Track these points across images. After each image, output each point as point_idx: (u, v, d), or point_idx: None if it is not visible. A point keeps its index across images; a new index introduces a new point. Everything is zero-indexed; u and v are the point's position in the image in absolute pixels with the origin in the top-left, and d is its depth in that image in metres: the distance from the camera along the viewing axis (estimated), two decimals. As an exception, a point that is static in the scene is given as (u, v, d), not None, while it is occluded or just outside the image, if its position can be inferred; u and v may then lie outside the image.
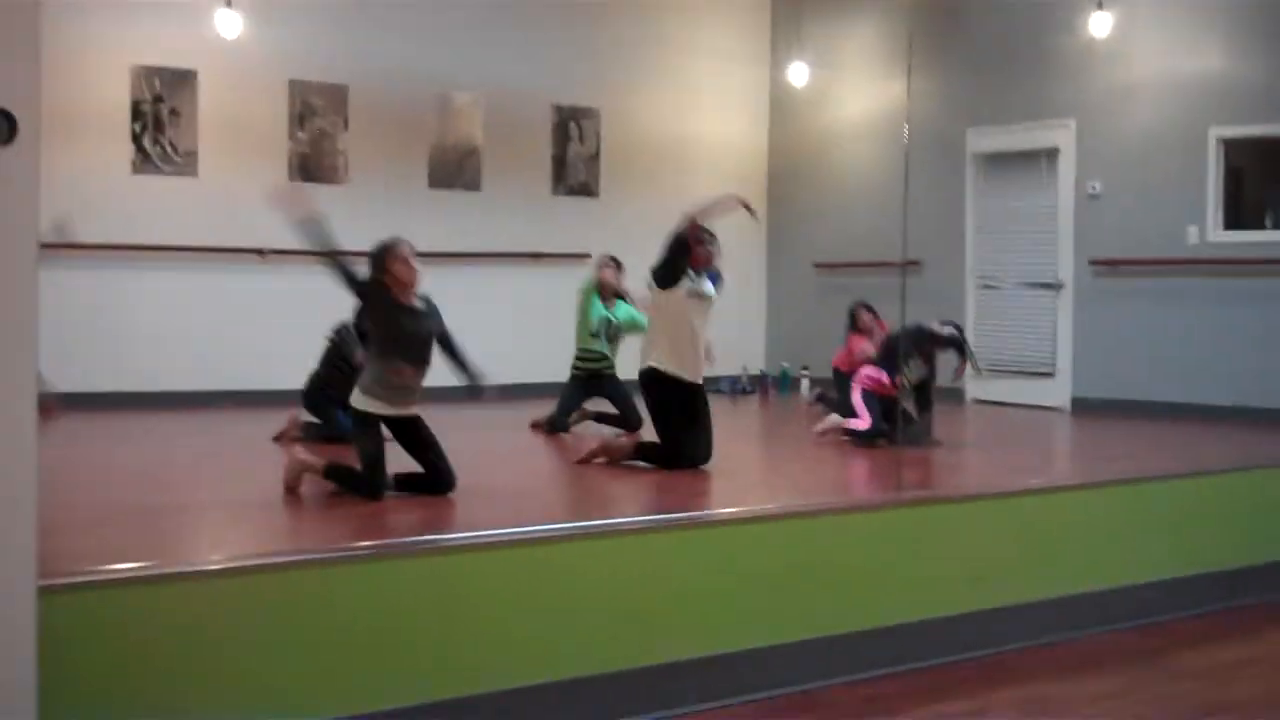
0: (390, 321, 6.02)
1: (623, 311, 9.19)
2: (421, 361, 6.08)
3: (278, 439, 8.14)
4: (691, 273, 7.15)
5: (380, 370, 6.01)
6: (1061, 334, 11.09)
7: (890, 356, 8.28)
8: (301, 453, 6.18)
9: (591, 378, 9.08)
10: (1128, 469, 7.20)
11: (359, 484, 5.91)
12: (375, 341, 6.14)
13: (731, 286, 10.71)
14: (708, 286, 7.25)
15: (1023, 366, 11.37)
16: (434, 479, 5.99)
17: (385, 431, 6.07)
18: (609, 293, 9.20)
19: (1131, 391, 10.46)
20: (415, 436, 6.08)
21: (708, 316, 7.27)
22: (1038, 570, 6.04)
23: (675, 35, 12.82)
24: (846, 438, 8.24)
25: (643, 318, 9.00)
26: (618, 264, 9.31)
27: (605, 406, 9.13)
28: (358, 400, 6.05)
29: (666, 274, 7.13)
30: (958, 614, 5.67)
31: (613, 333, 9.14)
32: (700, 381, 7.21)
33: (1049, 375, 11.15)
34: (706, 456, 7.10)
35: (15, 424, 3.35)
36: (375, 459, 5.92)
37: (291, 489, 6.03)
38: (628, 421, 8.85)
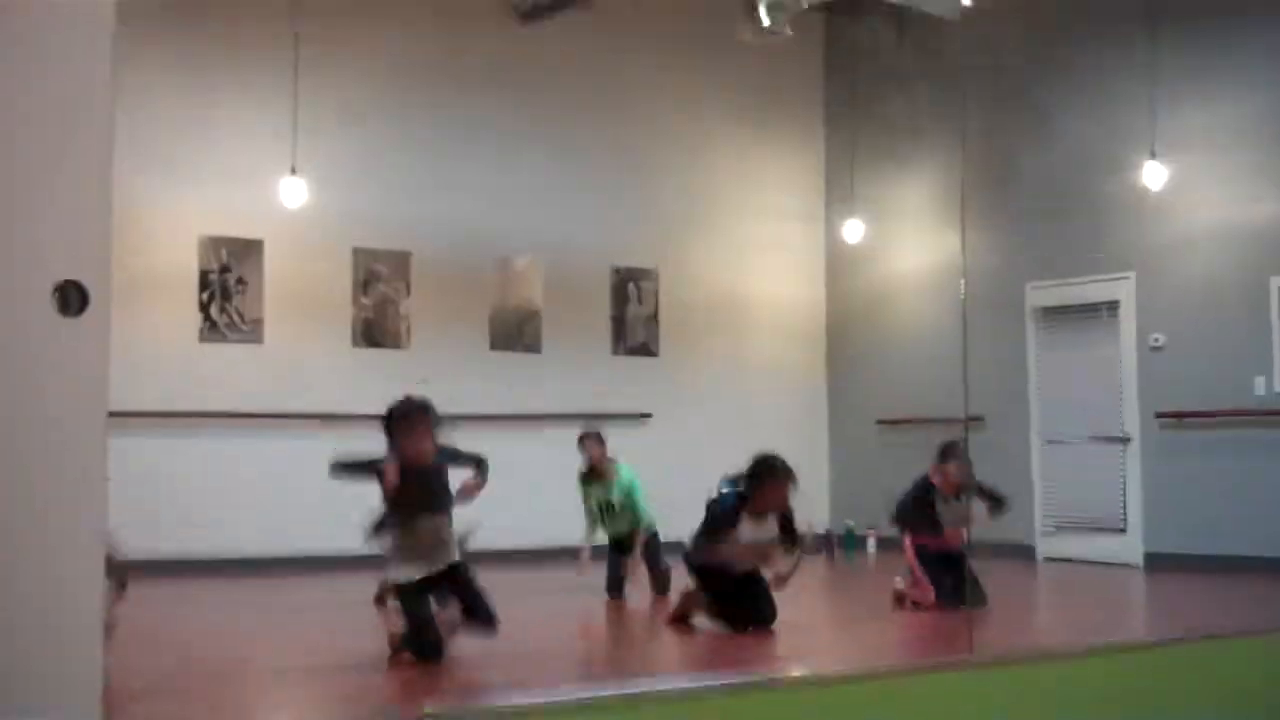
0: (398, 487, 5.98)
1: (622, 483, 8.87)
2: (435, 510, 6.03)
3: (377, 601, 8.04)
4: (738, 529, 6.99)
5: (398, 536, 5.98)
6: (1131, 488, 10.90)
7: (918, 518, 8.11)
8: (393, 620, 6.14)
9: (619, 544, 8.94)
10: (1203, 625, 7.00)
11: (413, 647, 5.86)
12: (387, 510, 6.08)
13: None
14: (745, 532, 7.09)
15: (1093, 523, 11.17)
16: (474, 618, 5.92)
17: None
18: (600, 471, 8.90)
19: (1204, 546, 10.21)
20: (452, 584, 6.02)
21: None
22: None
23: (730, 195, 12.98)
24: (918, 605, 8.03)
25: (639, 489, 8.88)
26: (600, 439, 8.97)
27: None
28: (393, 574, 6.02)
29: (708, 546, 7.00)
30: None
31: (616, 510, 8.87)
32: None
33: (1120, 531, 10.94)
34: (770, 617, 6.97)
35: (83, 591, 3.34)
36: (422, 622, 5.86)
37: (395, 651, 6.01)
38: (657, 585, 8.74)
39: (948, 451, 8.24)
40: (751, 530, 6.94)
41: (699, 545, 7.06)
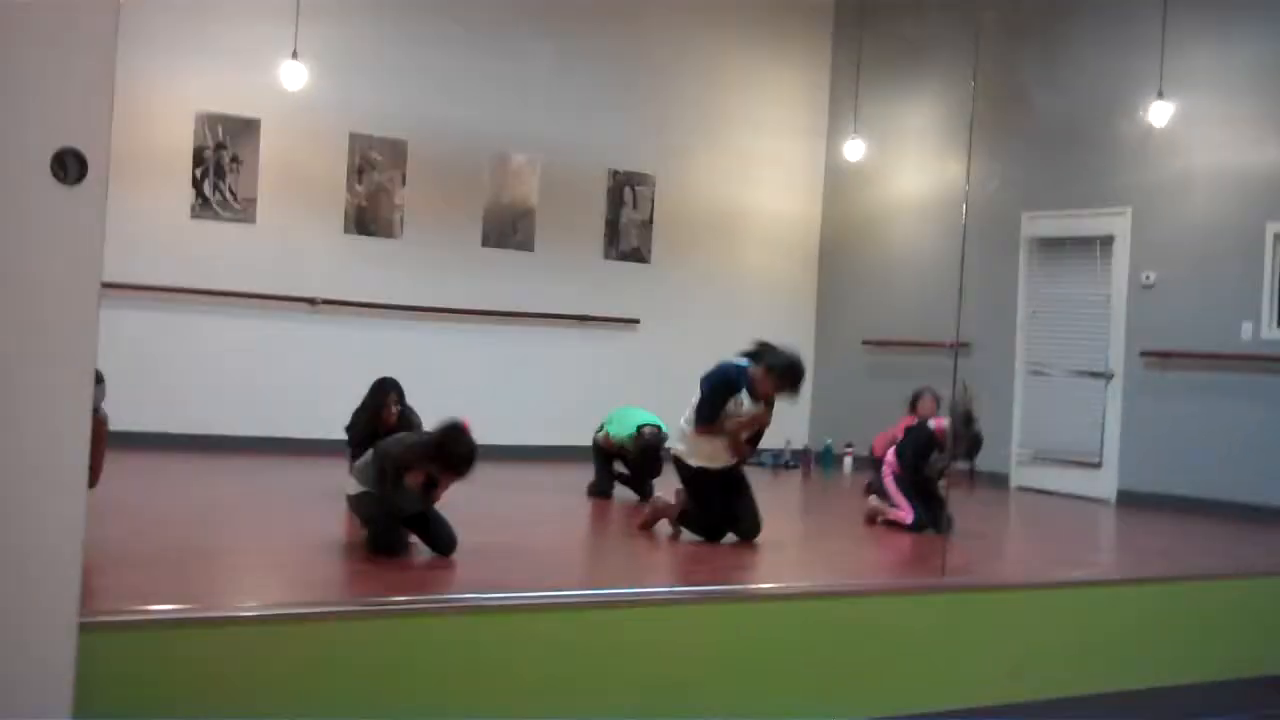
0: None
1: None
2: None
3: None
4: (740, 397, 7.04)
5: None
6: (1110, 424, 10.97)
7: (904, 457, 8.21)
8: None
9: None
10: (1174, 566, 7.10)
11: (378, 548, 5.91)
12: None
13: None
14: (747, 405, 7.11)
15: (1069, 455, 11.24)
16: (434, 544, 5.98)
17: None
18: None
19: (1178, 486, 10.31)
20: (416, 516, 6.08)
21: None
22: (1077, 665, 5.94)
23: (733, 106, 12.88)
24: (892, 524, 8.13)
25: None
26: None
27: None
28: (354, 488, 6.07)
29: (709, 412, 7.00)
30: (996, 704, 5.58)
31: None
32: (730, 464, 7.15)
33: (1096, 465, 11.02)
34: (751, 531, 7.02)
35: (68, 458, 3.36)
36: (386, 525, 5.92)
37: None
38: (640, 488, 8.85)
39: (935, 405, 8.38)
40: (739, 409, 7.01)
41: (698, 418, 7.03)
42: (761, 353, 7.10)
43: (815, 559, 7.25)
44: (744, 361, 7.10)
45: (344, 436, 8.22)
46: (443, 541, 5.93)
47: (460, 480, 5.86)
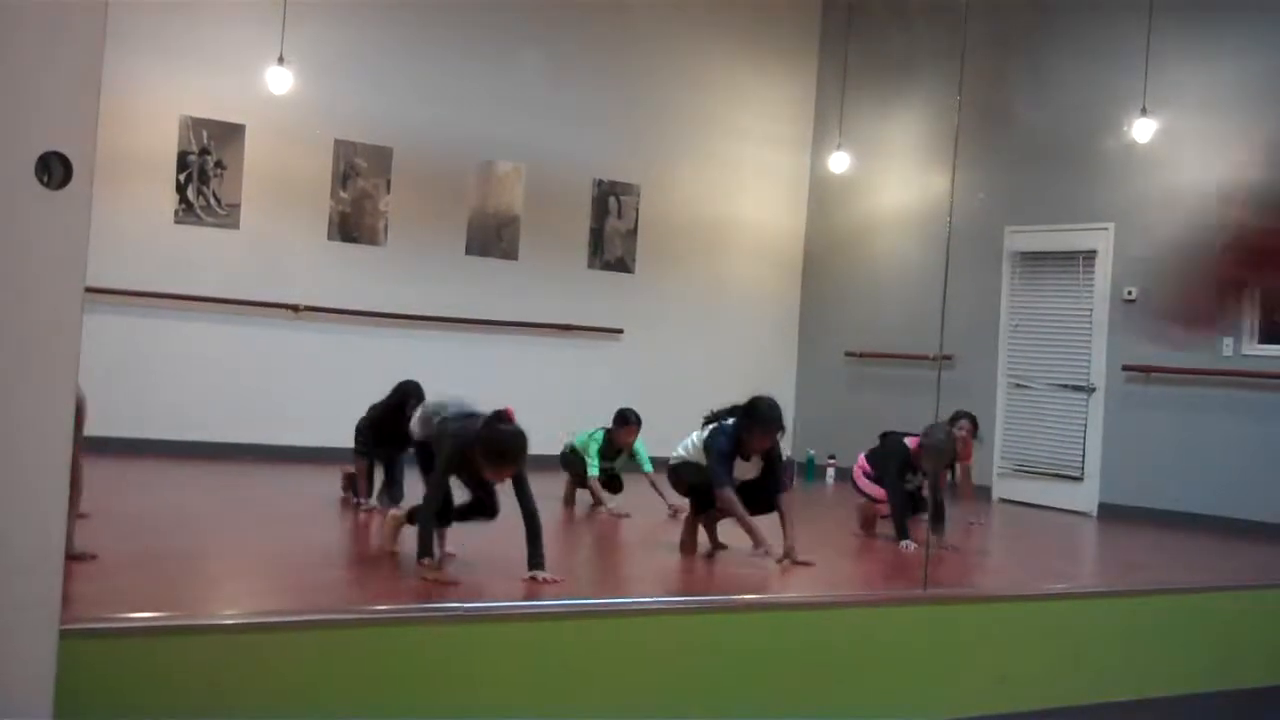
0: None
1: (635, 456, 8.95)
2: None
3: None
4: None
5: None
6: (1091, 438, 11.00)
7: (887, 471, 8.10)
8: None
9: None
10: (1155, 579, 7.11)
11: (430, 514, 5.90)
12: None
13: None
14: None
15: (1051, 468, 11.27)
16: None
17: None
18: (618, 447, 8.89)
19: (1159, 500, 10.34)
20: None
21: None
22: (1062, 676, 5.94)
23: (719, 117, 12.89)
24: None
25: (647, 460, 8.90)
26: (639, 424, 8.89)
27: None
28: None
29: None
30: (980, 715, 5.59)
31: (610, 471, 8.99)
32: None
33: (1077, 479, 11.05)
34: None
35: (50, 462, 3.34)
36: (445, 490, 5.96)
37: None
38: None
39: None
40: (739, 469, 6.86)
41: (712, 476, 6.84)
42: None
43: (799, 570, 7.23)
44: (726, 426, 6.84)
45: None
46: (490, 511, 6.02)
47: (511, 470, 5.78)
